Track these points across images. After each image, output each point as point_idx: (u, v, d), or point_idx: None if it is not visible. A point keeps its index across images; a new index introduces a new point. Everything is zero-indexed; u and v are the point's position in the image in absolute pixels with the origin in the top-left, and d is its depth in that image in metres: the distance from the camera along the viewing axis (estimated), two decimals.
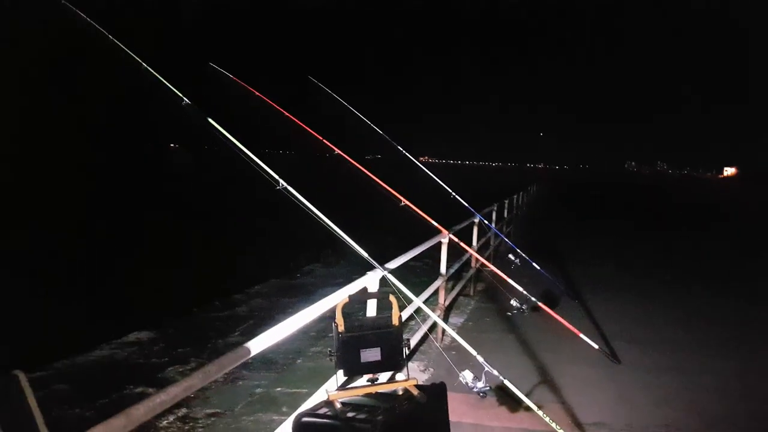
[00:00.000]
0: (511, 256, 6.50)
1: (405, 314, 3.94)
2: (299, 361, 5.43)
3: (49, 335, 6.80)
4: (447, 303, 5.94)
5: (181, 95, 3.83)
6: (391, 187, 5.25)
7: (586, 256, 11.10)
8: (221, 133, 3.69)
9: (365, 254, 3.50)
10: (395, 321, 2.37)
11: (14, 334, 7.01)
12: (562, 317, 5.18)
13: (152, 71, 3.86)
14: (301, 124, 5.33)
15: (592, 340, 5.03)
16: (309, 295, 7.88)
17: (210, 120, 3.74)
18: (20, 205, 23.88)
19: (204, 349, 6.08)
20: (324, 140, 5.29)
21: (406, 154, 7.03)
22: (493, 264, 6.16)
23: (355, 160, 5.44)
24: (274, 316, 6.92)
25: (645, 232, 17.25)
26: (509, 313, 5.68)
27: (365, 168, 5.28)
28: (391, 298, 2.46)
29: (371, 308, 3.27)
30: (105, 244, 15.53)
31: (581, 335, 5.03)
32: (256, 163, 3.63)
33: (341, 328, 2.29)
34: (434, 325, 5.12)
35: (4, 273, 11.25)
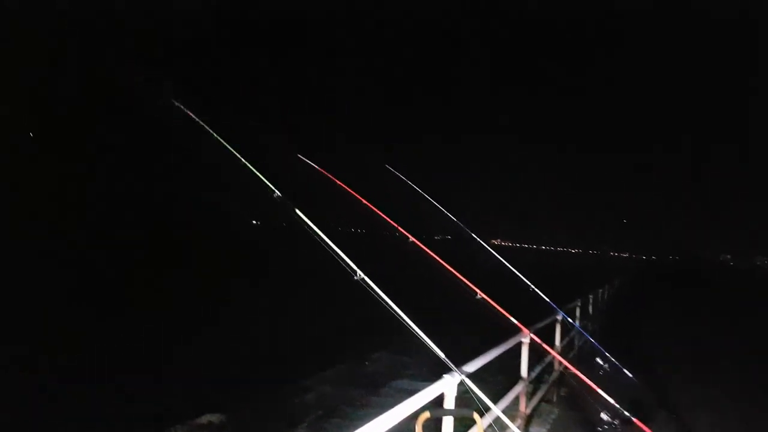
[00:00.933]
0: (598, 359, 6.02)
1: (484, 423, 3.68)
2: None
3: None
4: (528, 411, 5.51)
5: (273, 188, 4.05)
6: (465, 276, 5.12)
7: (688, 361, 10.07)
8: (306, 223, 3.83)
9: (442, 355, 3.35)
10: None
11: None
12: None
13: (251, 167, 4.13)
14: (378, 211, 5.43)
15: None
16: (378, 387, 7.64)
17: (298, 212, 3.89)
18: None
19: None
20: (399, 227, 5.33)
21: (481, 242, 6.92)
22: (578, 367, 5.71)
23: (425, 242, 5.41)
24: (342, 408, 6.72)
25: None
26: (598, 428, 5.15)
27: (438, 255, 5.21)
28: (476, 416, 2.30)
29: (448, 423, 3.06)
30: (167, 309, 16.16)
31: None
32: (336, 251, 3.70)
33: None
34: None
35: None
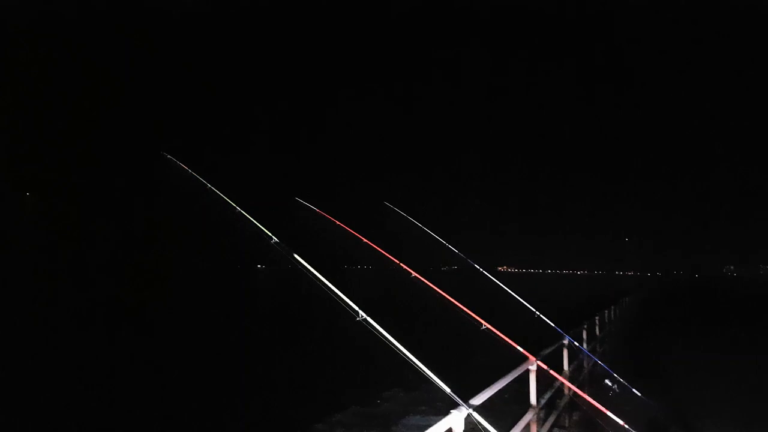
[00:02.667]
0: (607, 381, 6.02)
1: None
2: None
3: None
4: None
5: (270, 234, 4.15)
6: (470, 308, 5.16)
7: (699, 377, 9.93)
8: (305, 267, 3.92)
9: (448, 390, 3.37)
10: None
11: None
12: None
13: (246, 215, 4.25)
14: (379, 249, 5.52)
15: None
16: (390, 426, 7.56)
17: (296, 255, 3.98)
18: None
19: None
20: (402, 264, 5.41)
21: (484, 272, 6.98)
22: (588, 390, 5.70)
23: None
24: None
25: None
26: None
27: (445, 287, 5.27)
28: None
29: None
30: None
31: None
32: (337, 294, 3.77)
33: None
34: None
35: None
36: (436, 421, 2.94)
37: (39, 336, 21.37)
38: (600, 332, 11.22)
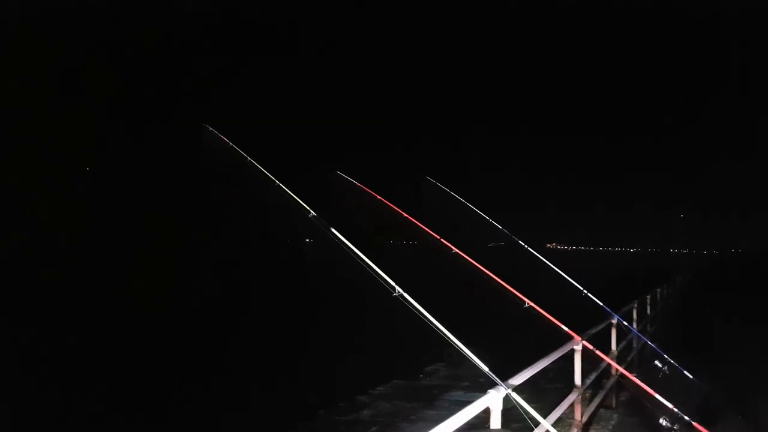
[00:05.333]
0: (657, 362, 5.77)
1: None
2: None
3: None
4: (585, 419, 5.31)
5: (308, 208, 4.11)
6: (513, 286, 5.01)
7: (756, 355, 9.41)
8: (343, 242, 3.87)
9: (486, 369, 3.29)
10: None
11: None
12: None
13: (284, 188, 4.22)
14: (419, 224, 5.42)
15: None
16: (432, 400, 7.57)
17: (333, 230, 3.94)
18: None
19: None
20: (442, 240, 5.30)
21: (529, 249, 6.79)
22: (637, 371, 5.49)
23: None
24: (398, 424, 6.68)
25: None
26: None
27: (485, 266, 5.14)
28: None
29: None
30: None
31: None
32: (374, 269, 3.71)
33: None
34: None
35: None
36: (478, 398, 2.87)
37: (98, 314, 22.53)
38: (651, 311, 10.82)
